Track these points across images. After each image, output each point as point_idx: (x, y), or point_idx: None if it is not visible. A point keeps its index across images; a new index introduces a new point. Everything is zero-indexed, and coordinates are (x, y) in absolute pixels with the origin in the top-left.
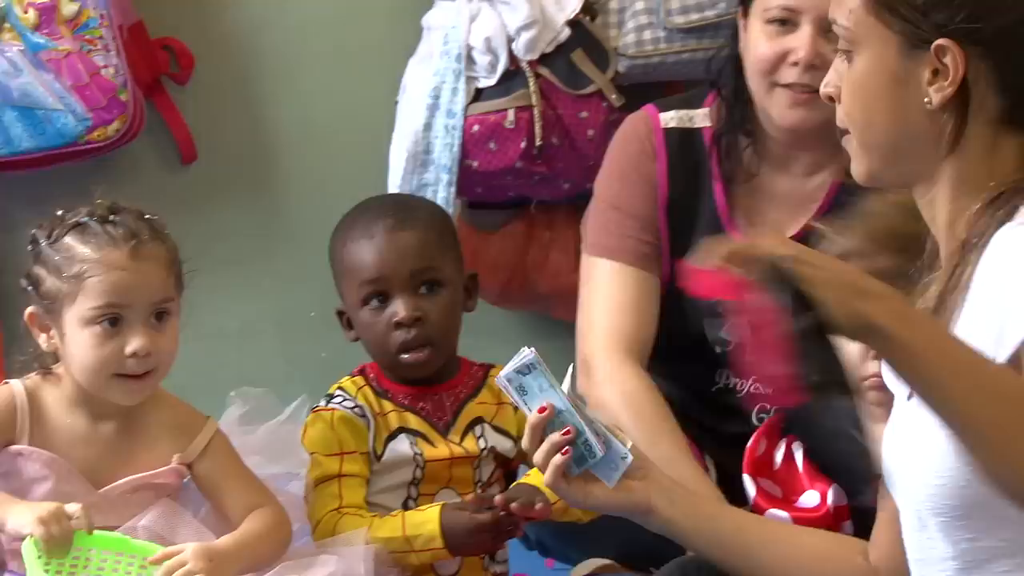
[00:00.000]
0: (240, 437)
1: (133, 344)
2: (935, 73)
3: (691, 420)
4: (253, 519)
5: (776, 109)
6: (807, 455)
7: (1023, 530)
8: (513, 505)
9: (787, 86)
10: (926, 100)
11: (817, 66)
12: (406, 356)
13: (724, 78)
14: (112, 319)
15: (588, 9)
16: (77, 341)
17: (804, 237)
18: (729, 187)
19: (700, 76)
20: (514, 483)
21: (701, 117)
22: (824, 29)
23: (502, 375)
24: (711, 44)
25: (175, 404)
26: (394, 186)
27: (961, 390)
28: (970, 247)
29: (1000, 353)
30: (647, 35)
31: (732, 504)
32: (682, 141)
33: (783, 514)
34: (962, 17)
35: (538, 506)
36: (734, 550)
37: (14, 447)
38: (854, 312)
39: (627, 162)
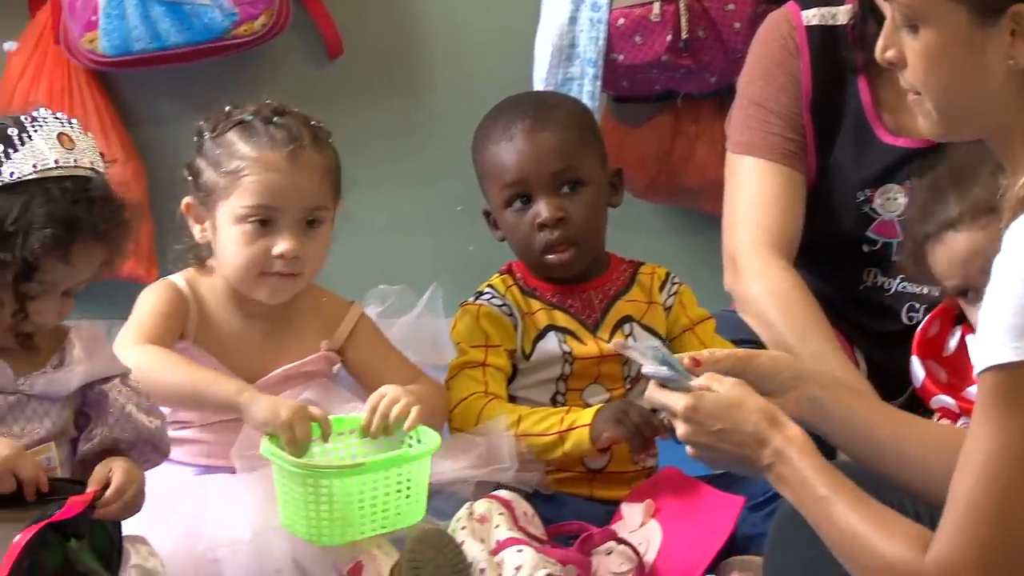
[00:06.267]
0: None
1: (280, 246)
2: (1013, 34)
3: (839, 316)
4: (420, 384)
5: None
6: None
7: None
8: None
9: None
10: (1011, 61)
11: None
12: (550, 256)
13: None
14: (263, 220)
15: None
16: (227, 236)
17: None
18: (873, 81)
19: None
20: None
21: (844, 13)
22: None
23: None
24: None
25: (319, 293)
26: (539, 80)
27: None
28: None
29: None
30: None
31: (884, 398)
32: (824, 38)
33: (949, 400)
34: None
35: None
36: (865, 444)
37: (180, 343)
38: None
39: (770, 60)
